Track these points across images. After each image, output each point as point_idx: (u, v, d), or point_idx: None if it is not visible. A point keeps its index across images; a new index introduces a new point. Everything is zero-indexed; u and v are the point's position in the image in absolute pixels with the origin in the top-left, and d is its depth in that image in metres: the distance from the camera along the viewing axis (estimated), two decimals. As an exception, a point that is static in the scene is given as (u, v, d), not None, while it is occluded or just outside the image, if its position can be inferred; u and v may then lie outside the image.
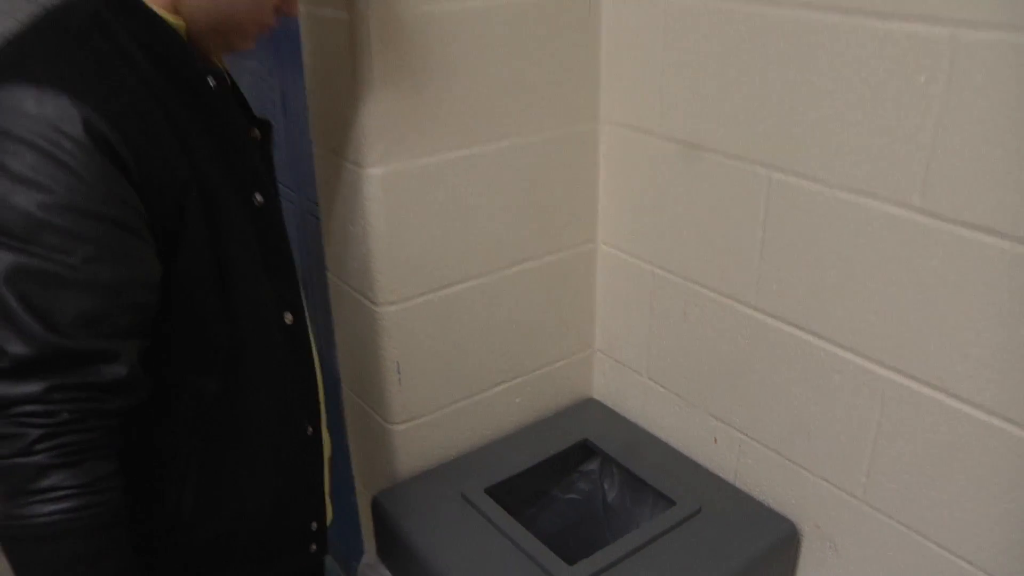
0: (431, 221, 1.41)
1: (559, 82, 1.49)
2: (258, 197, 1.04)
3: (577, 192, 1.60)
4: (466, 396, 1.60)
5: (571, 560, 1.31)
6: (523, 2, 1.40)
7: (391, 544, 1.49)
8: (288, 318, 1.10)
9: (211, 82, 0.98)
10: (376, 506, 1.52)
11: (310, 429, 1.18)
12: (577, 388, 1.79)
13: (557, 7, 1.44)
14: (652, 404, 1.66)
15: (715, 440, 1.53)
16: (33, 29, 0.91)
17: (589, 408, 1.78)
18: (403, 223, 1.38)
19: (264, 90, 1.81)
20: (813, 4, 1.17)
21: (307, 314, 1.18)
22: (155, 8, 0.94)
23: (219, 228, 0.96)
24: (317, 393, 1.20)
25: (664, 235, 1.52)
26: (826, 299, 1.26)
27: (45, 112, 0.81)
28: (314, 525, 1.23)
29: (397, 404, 1.51)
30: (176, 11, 0.96)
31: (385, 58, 1.28)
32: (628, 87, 1.51)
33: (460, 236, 1.46)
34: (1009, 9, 0.96)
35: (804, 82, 1.21)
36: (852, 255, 1.21)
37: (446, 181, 1.40)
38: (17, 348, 0.80)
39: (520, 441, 1.66)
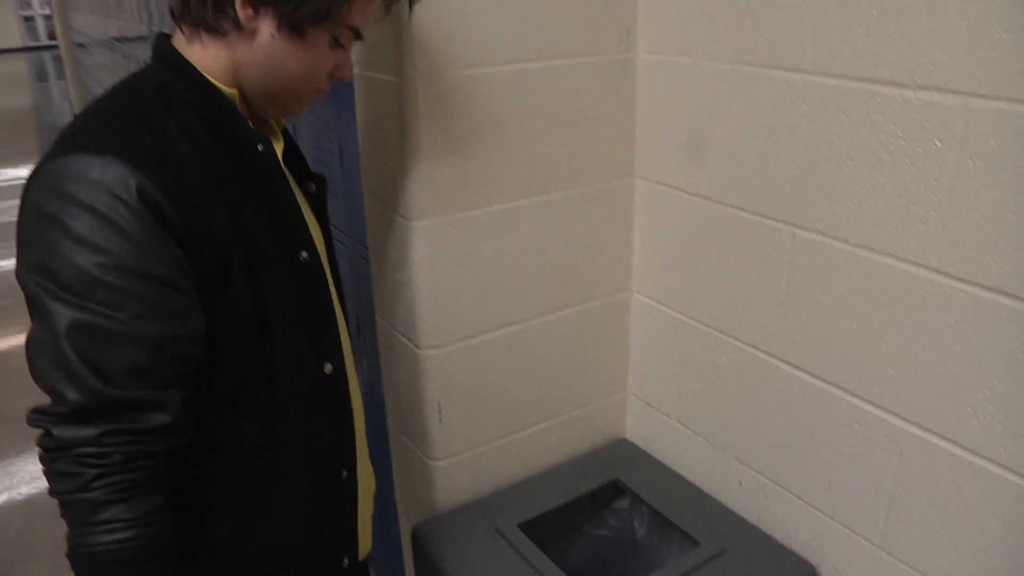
0: (472, 270, 1.50)
1: (596, 140, 1.58)
2: (304, 254, 1.13)
3: (613, 243, 1.68)
4: (503, 435, 1.68)
5: (599, 595, 1.37)
6: (562, 65, 1.49)
7: (429, 573, 1.56)
8: (328, 368, 1.18)
9: (260, 148, 1.08)
10: (416, 536, 1.60)
11: (344, 472, 1.25)
12: (610, 429, 1.86)
13: (595, 70, 1.54)
14: (681, 447, 1.72)
15: (740, 483, 1.58)
16: (107, 99, 1.04)
17: (621, 448, 1.84)
18: (446, 272, 1.48)
19: (323, 141, 1.93)
20: (835, 72, 1.24)
21: (349, 362, 1.26)
22: (211, 78, 1.04)
23: (262, 284, 1.05)
24: (353, 439, 1.27)
25: (694, 286, 1.59)
26: (847, 352, 1.32)
27: (105, 179, 0.90)
28: (346, 561, 1.29)
29: (438, 441, 1.59)
30: (235, 79, 1.07)
31: (431, 118, 1.38)
32: (661, 145, 1.59)
33: (500, 285, 1.55)
34: (1018, 83, 1.03)
35: (826, 144, 1.28)
36: (872, 311, 1.27)
37: (487, 233, 1.50)
38: (73, 396, 0.90)
39: (554, 479, 1.73)
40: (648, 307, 1.73)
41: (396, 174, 1.43)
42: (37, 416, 0.93)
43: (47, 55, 22.12)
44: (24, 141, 10.56)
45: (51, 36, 20.01)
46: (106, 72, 8.21)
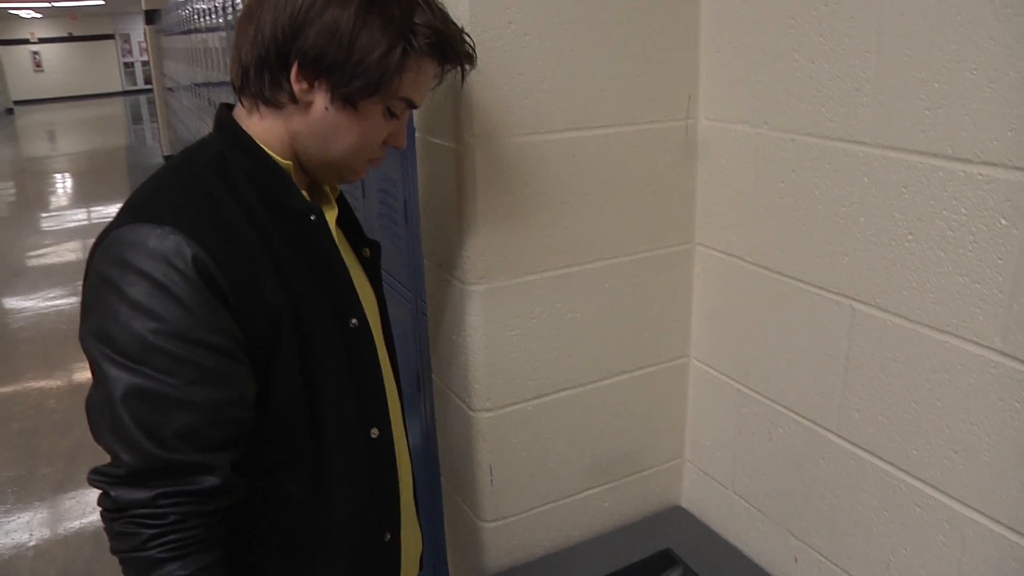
0: (528, 335, 1.51)
1: (656, 206, 1.59)
2: (353, 321, 1.16)
3: (671, 310, 1.68)
4: (555, 499, 1.67)
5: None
6: (622, 131, 1.51)
7: (476, 637, 1.56)
8: (374, 433, 1.20)
9: (312, 218, 1.11)
10: (464, 599, 1.60)
11: (388, 535, 1.26)
12: (665, 496, 1.83)
13: (655, 136, 1.55)
14: (736, 518, 1.69)
15: (796, 560, 1.54)
16: (169, 169, 1.09)
17: (675, 516, 1.81)
18: (501, 336, 1.49)
19: (389, 197, 1.98)
20: (896, 145, 1.22)
21: (397, 425, 1.28)
22: (267, 149, 1.09)
23: (310, 350, 1.08)
24: (398, 502, 1.29)
25: (752, 356, 1.57)
26: (907, 431, 1.29)
27: (162, 248, 0.95)
28: None
29: (489, 503, 1.59)
30: (292, 149, 1.11)
31: (489, 184, 1.41)
32: (721, 213, 1.59)
33: (555, 349, 1.55)
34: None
35: (887, 218, 1.26)
36: (933, 391, 1.24)
37: (544, 298, 1.51)
38: (129, 458, 0.95)
39: (605, 545, 1.71)
40: (706, 374, 1.71)
41: (454, 238, 1.46)
42: (96, 477, 0.97)
43: (143, 98, 23.16)
44: (116, 180, 11.06)
45: (147, 81, 20.98)
46: (189, 114, 8.58)
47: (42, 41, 24.92)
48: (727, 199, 1.57)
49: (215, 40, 5.31)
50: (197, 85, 7.22)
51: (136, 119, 19.07)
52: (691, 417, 1.79)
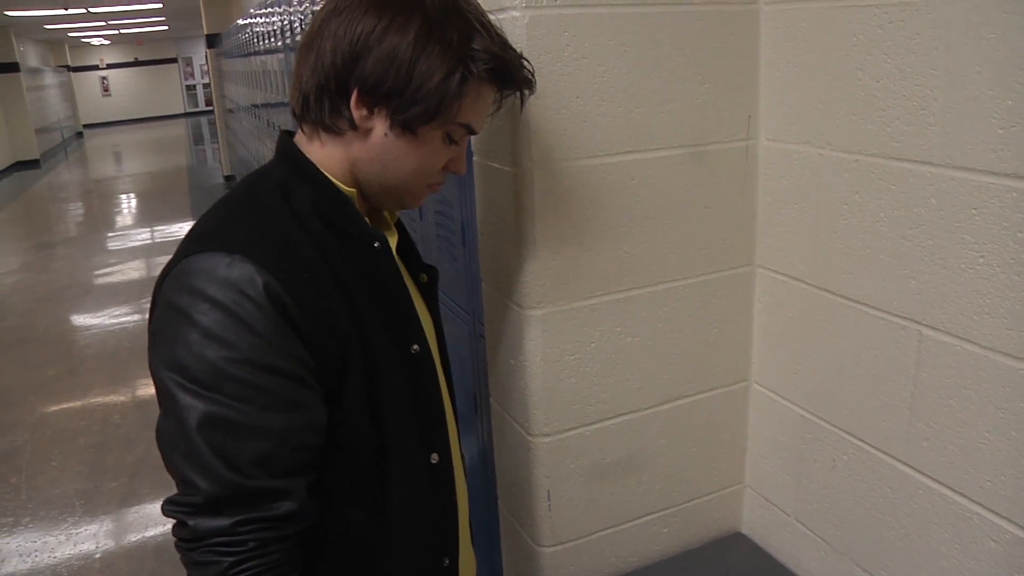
0: (587, 360, 1.50)
1: (715, 228, 1.57)
2: (415, 347, 1.16)
3: (731, 333, 1.65)
4: (613, 524, 1.65)
5: None
6: (681, 153, 1.50)
7: (533, 665, 1.54)
8: (434, 458, 1.20)
9: (376, 244, 1.12)
10: (521, 625, 1.58)
11: (447, 561, 1.26)
12: (725, 522, 1.80)
13: (715, 157, 1.53)
14: (799, 546, 1.65)
15: (863, 592, 1.50)
16: (234, 198, 1.11)
17: (735, 544, 1.78)
18: (560, 361, 1.48)
19: (447, 219, 1.99)
20: (967, 165, 1.19)
21: (455, 450, 1.28)
22: (331, 177, 1.10)
23: (375, 376, 1.08)
24: (457, 527, 1.28)
25: (815, 381, 1.54)
26: (980, 462, 1.24)
27: (233, 277, 0.95)
28: None
29: (546, 528, 1.58)
30: (352, 176, 1.12)
31: (547, 208, 1.40)
32: (783, 235, 1.56)
33: (614, 374, 1.54)
34: None
35: (956, 241, 1.22)
36: (1007, 420, 1.19)
37: (602, 322, 1.50)
38: (206, 486, 0.94)
39: (664, 571, 1.68)
40: (767, 399, 1.68)
41: (512, 262, 1.45)
42: (172, 508, 0.97)
43: (204, 119, 23.74)
44: (178, 200, 11.34)
45: (208, 102, 21.51)
46: (248, 135, 8.76)
47: (110, 67, 25.74)
48: (789, 221, 1.55)
49: (274, 62, 5.42)
50: (256, 106, 7.37)
51: (197, 140, 19.55)
52: (751, 442, 1.75)
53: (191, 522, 0.95)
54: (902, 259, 1.31)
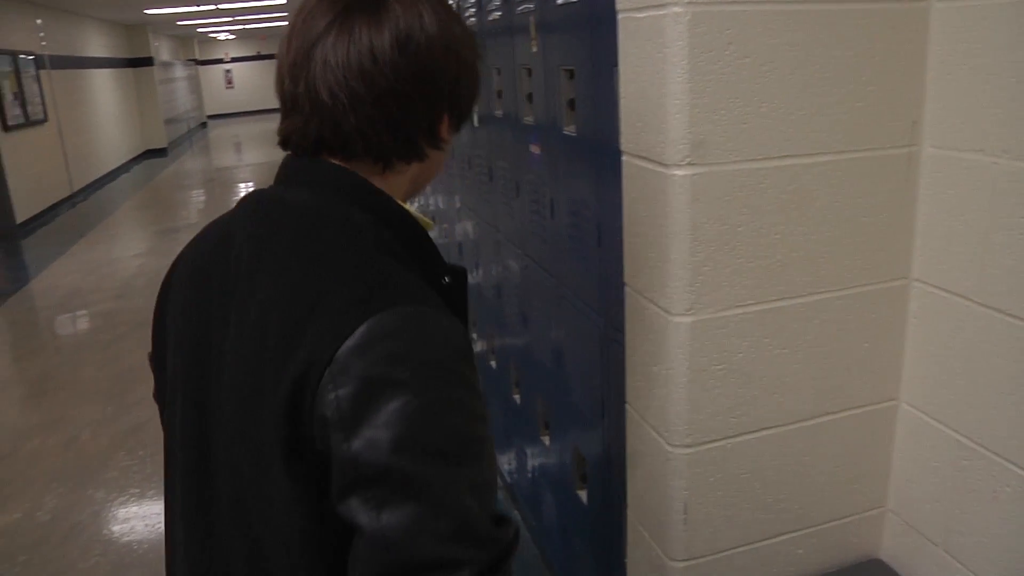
0: (733, 370, 1.45)
1: (871, 238, 1.49)
2: None
3: (881, 348, 1.57)
4: (748, 542, 1.59)
5: None
6: (839, 160, 1.43)
7: None
8: None
9: (446, 280, 1.00)
10: (649, 639, 1.54)
11: None
12: (864, 547, 1.71)
13: (874, 164, 1.46)
14: (949, 580, 1.55)
15: (1024, 635, 1.40)
16: (342, 253, 0.91)
17: (873, 570, 1.69)
18: (706, 371, 1.43)
19: (581, 220, 1.96)
20: None
21: None
22: (413, 213, 0.98)
23: None
24: None
25: (974, 404, 1.44)
26: None
27: (440, 332, 0.86)
28: None
29: (680, 542, 1.53)
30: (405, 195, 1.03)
31: (700, 211, 1.36)
32: (944, 248, 1.47)
33: (759, 386, 1.48)
34: None
35: None
36: None
37: (751, 332, 1.44)
38: (481, 555, 0.82)
39: (799, 595, 1.61)
40: (917, 420, 1.59)
41: (660, 266, 1.41)
42: None
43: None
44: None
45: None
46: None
47: (234, 60, 26.73)
48: (953, 233, 1.45)
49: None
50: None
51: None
52: (897, 464, 1.66)
53: None
54: (1089, 280, 1.22)
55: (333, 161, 0.96)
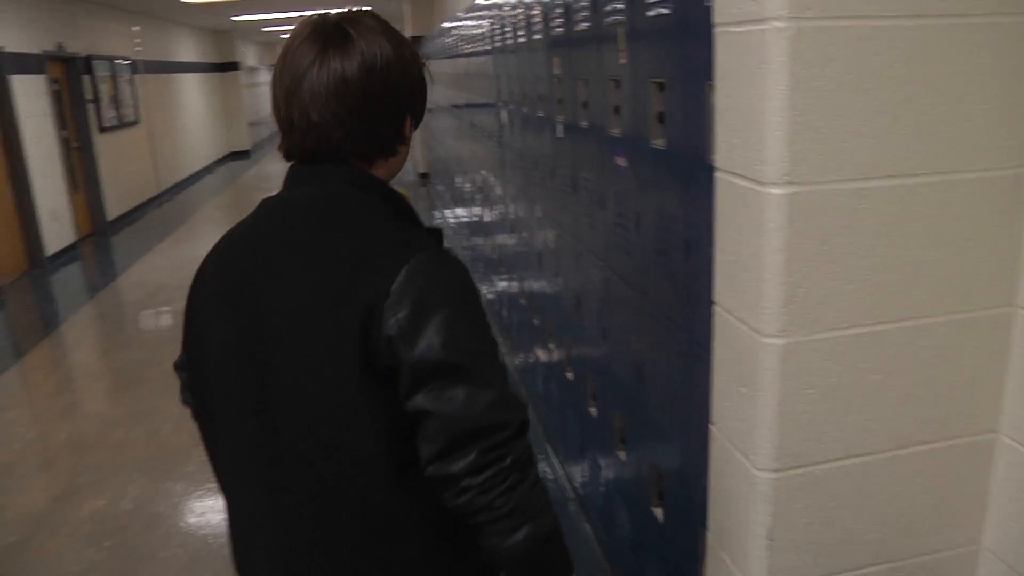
0: (826, 395, 1.41)
1: (973, 263, 1.43)
2: None
3: (981, 378, 1.50)
4: (833, 572, 1.54)
5: None
6: (943, 180, 1.37)
7: None
8: None
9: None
10: (727, 667, 1.50)
11: None
12: (956, 584, 1.65)
13: (980, 185, 1.40)
14: (1050, 624, 1.48)
15: None
16: (358, 224, 1.22)
17: (968, 609, 1.62)
18: (797, 395, 1.39)
19: (668, 234, 1.93)
20: None
21: None
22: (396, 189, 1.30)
23: None
24: None
25: (1086, 440, 1.37)
26: None
27: (460, 268, 1.20)
28: None
29: (762, 568, 1.49)
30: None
31: (797, 231, 1.32)
32: (1055, 275, 1.40)
33: (852, 413, 1.44)
34: None
35: None
36: None
37: (844, 356, 1.40)
38: (519, 416, 1.14)
39: (885, 630, 1.55)
40: (1017, 454, 1.52)
41: (753, 286, 1.38)
42: (487, 456, 1.10)
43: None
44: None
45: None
46: (446, 134, 9.03)
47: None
48: (1064, 260, 1.39)
49: (478, 65, 5.53)
50: (456, 107, 7.58)
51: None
52: (995, 499, 1.59)
53: (512, 456, 1.11)
54: None
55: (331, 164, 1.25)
